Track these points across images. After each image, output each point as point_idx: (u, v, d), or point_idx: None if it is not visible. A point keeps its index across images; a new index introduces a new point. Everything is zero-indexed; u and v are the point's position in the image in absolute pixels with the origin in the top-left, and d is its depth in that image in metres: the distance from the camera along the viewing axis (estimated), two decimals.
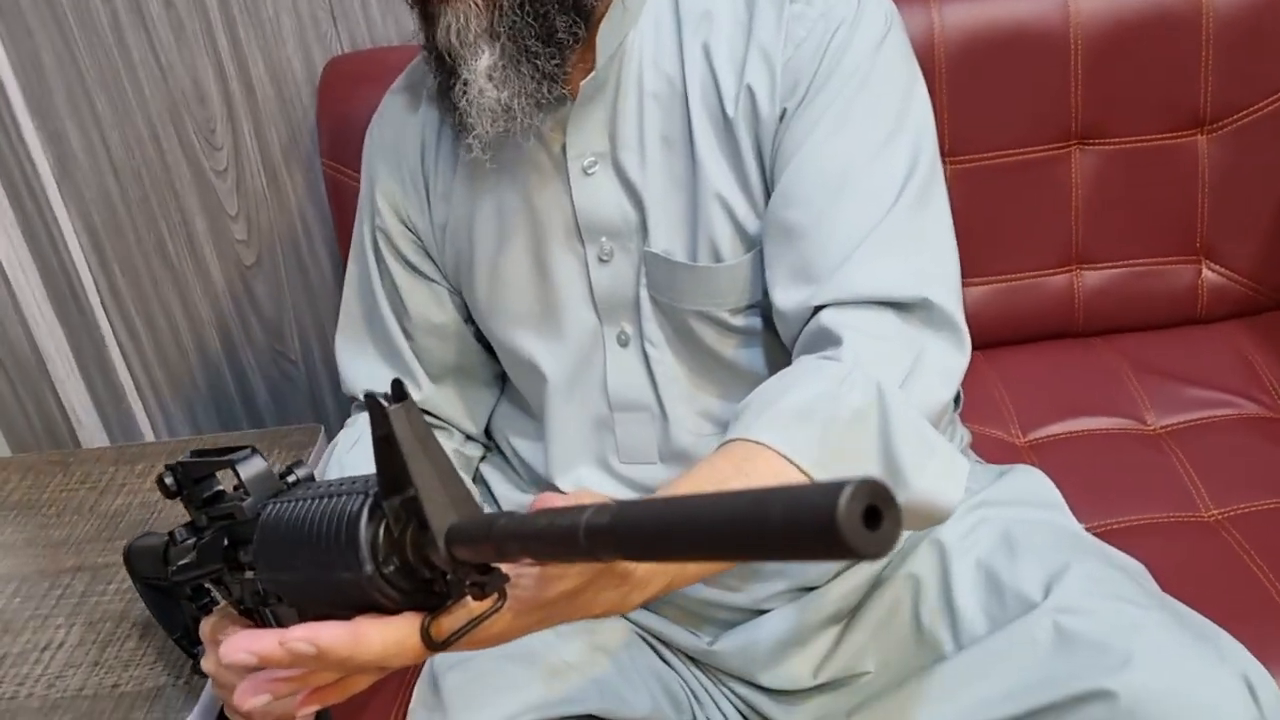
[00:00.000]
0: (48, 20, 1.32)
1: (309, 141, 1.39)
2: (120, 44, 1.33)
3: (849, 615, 0.85)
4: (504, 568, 0.49)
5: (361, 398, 0.95)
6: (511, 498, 0.95)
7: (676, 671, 0.89)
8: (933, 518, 0.71)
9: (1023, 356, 1.29)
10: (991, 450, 1.14)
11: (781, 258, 0.78)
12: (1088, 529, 1.03)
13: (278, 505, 0.56)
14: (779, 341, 0.82)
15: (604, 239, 0.85)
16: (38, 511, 1.25)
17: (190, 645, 0.87)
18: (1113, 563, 0.82)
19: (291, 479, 0.61)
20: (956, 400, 0.90)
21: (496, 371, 0.99)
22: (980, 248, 1.25)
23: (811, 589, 0.85)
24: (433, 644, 0.49)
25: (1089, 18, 1.18)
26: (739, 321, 0.83)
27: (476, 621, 0.50)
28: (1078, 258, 1.28)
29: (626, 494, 0.89)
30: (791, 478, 0.65)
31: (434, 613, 0.50)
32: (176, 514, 1.17)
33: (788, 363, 0.79)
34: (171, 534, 0.70)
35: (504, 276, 0.88)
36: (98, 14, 1.32)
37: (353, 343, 0.98)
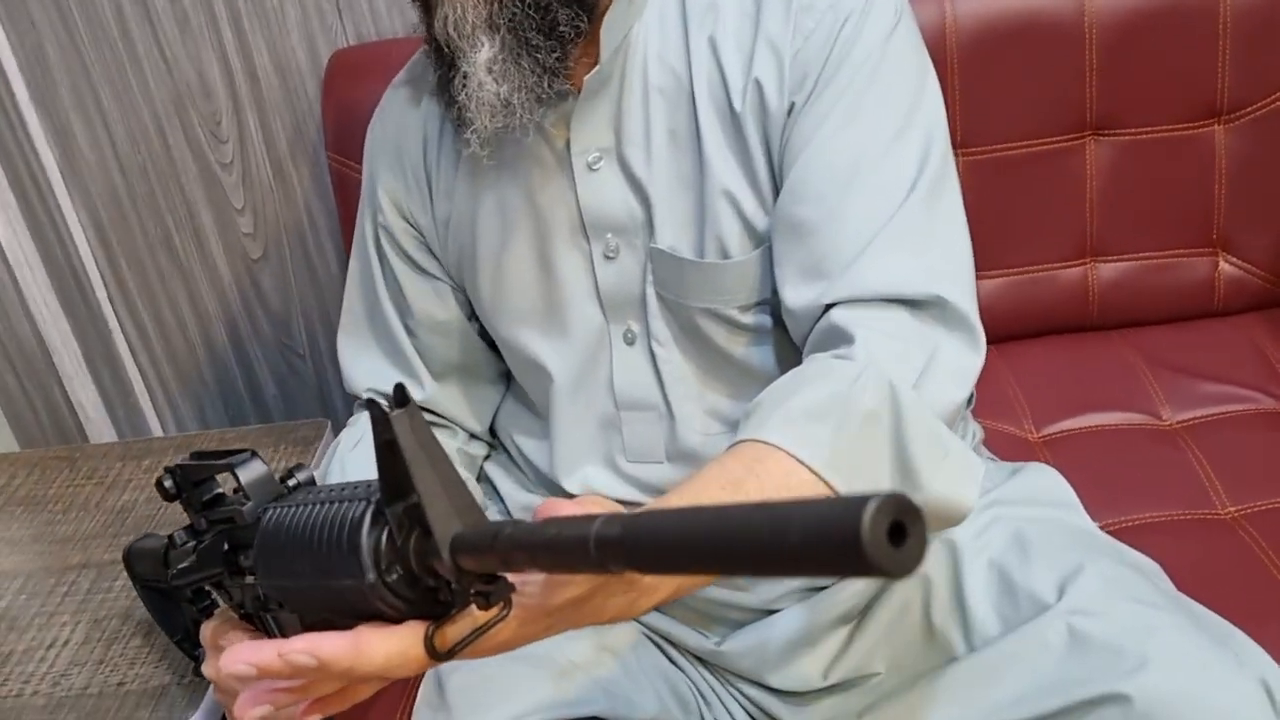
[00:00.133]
0: (51, 12, 1.31)
1: (314, 134, 1.38)
2: (125, 36, 1.33)
3: (859, 616, 0.84)
4: (509, 575, 0.48)
5: (364, 396, 0.94)
6: (517, 497, 0.94)
7: (684, 672, 0.88)
8: (948, 520, 0.70)
9: (1036, 350, 1.27)
10: (1004, 446, 1.12)
11: (791, 254, 0.76)
12: (1102, 527, 1.02)
13: (278, 510, 0.55)
14: (789, 339, 0.80)
15: (609, 235, 0.83)
16: (44, 508, 1.25)
17: (191, 647, 0.87)
18: (1127, 563, 0.81)
19: (292, 482, 0.60)
20: (969, 397, 0.89)
21: (501, 369, 0.98)
22: (993, 240, 1.23)
23: (821, 589, 0.84)
24: (436, 654, 0.49)
25: (1103, 6, 1.16)
26: (747, 319, 0.82)
27: (481, 630, 0.49)
28: (1092, 250, 1.26)
29: (634, 494, 0.88)
30: (803, 479, 0.64)
31: (438, 622, 0.49)
32: (182, 511, 1.16)
33: (798, 361, 0.77)
34: (171, 537, 0.69)
35: (508, 274, 0.87)
36: (102, 6, 1.31)
37: (355, 340, 0.97)
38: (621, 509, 0.54)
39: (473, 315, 0.94)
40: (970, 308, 0.74)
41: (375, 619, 0.50)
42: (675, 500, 0.61)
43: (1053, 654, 0.73)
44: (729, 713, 0.86)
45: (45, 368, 1.54)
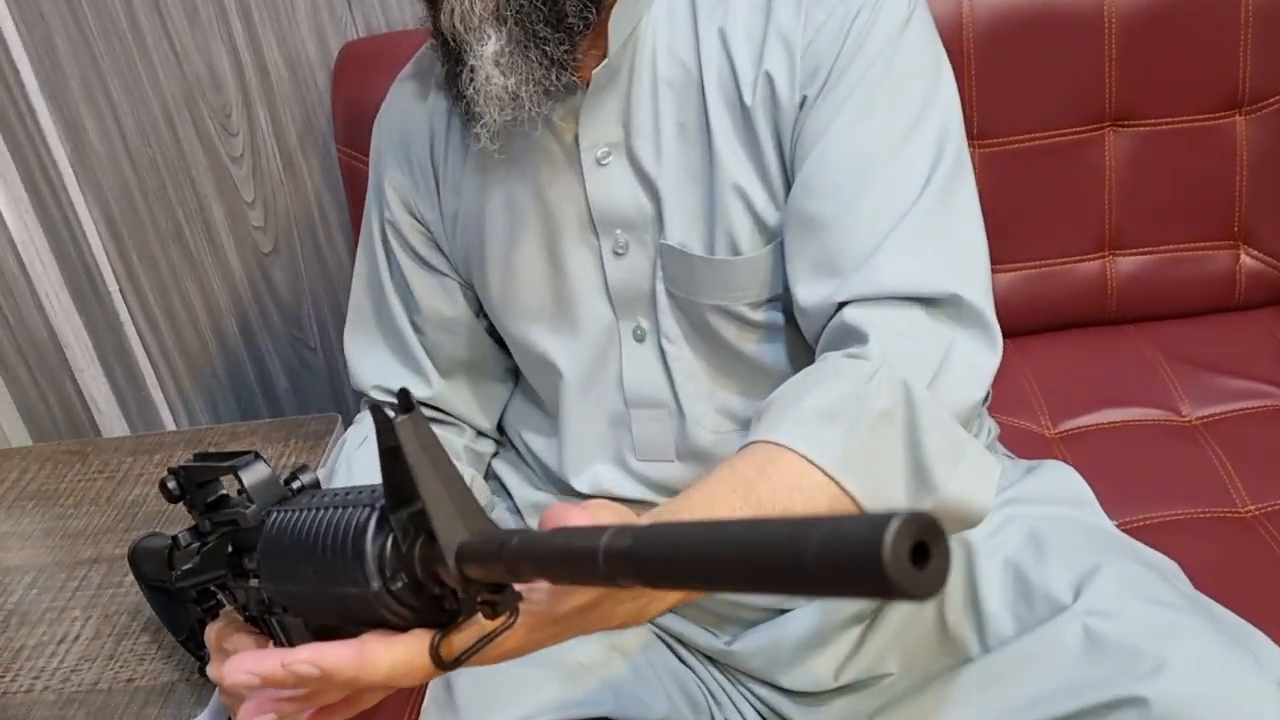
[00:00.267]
0: (60, 4, 1.31)
1: (325, 127, 1.37)
2: (134, 29, 1.32)
3: (871, 615, 0.83)
4: (516, 584, 0.47)
5: (371, 394, 0.94)
6: (526, 495, 0.94)
7: (694, 672, 0.87)
8: (964, 523, 0.69)
9: (1053, 345, 1.26)
10: (1021, 442, 1.11)
11: (803, 251, 0.75)
12: (1119, 525, 1.01)
13: (282, 514, 0.55)
14: (801, 336, 0.79)
15: (619, 231, 0.82)
16: (55, 502, 1.25)
17: (197, 647, 0.86)
18: (1145, 562, 0.80)
19: (296, 485, 0.59)
20: (985, 396, 0.87)
21: (509, 366, 0.97)
22: (1010, 233, 1.22)
23: None
24: (442, 663, 0.48)
25: None
26: (759, 316, 0.81)
27: (488, 639, 0.48)
28: (1111, 243, 1.24)
29: (643, 492, 0.87)
30: (814, 480, 0.63)
31: (444, 630, 0.48)
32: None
33: (810, 358, 0.76)
34: (175, 538, 0.68)
35: (517, 271, 0.86)
36: None
37: (362, 337, 0.96)
38: (630, 513, 0.54)
39: (480, 312, 0.93)
40: (986, 305, 0.72)
41: (380, 626, 0.49)
42: (685, 503, 0.60)
43: (1069, 656, 0.72)
44: (740, 713, 0.86)
45: (57, 361, 1.55)
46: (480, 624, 0.48)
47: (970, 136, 1.18)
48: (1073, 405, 1.19)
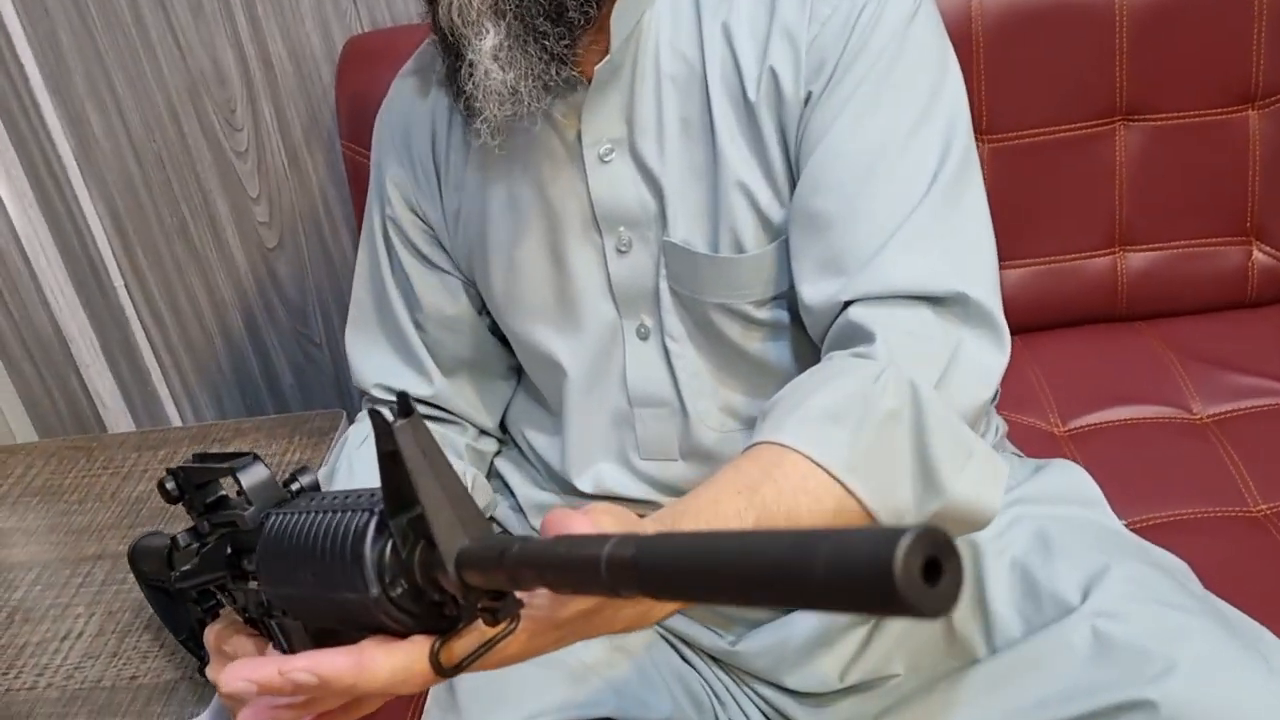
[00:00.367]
0: None
1: (329, 121, 1.36)
2: (138, 22, 1.32)
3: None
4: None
5: (373, 391, 0.93)
6: (529, 494, 0.93)
7: (699, 672, 0.87)
8: (972, 525, 0.68)
9: (1063, 342, 1.25)
10: (1029, 440, 1.10)
11: (808, 249, 0.74)
12: (1129, 524, 1.00)
13: (280, 517, 0.54)
14: (805, 335, 0.79)
15: (622, 229, 0.81)
16: (60, 498, 1.25)
17: (197, 647, 0.85)
18: (1154, 563, 0.79)
19: (295, 486, 0.59)
20: (993, 394, 0.87)
21: (511, 364, 0.96)
22: (1019, 229, 1.21)
23: None
24: (443, 670, 0.47)
25: None
26: (763, 314, 0.80)
27: (489, 645, 0.47)
28: (1121, 239, 1.23)
29: (647, 491, 0.87)
30: (820, 482, 0.62)
31: (444, 637, 0.47)
32: None
33: (815, 357, 0.76)
34: (174, 538, 0.68)
35: (520, 269, 0.85)
36: None
37: (363, 335, 0.95)
38: (632, 516, 0.53)
39: (483, 310, 0.93)
40: (994, 304, 0.71)
41: (380, 631, 0.49)
42: (689, 505, 0.59)
43: (1076, 658, 0.71)
44: (744, 713, 0.85)
45: (62, 357, 1.55)
46: (481, 630, 0.47)
47: (979, 131, 1.17)
48: (1082, 403, 1.18)
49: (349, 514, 0.49)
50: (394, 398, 0.93)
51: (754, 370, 0.82)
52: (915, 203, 0.72)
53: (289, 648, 0.60)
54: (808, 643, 0.82)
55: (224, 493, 0.65)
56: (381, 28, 1.31)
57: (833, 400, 0.65)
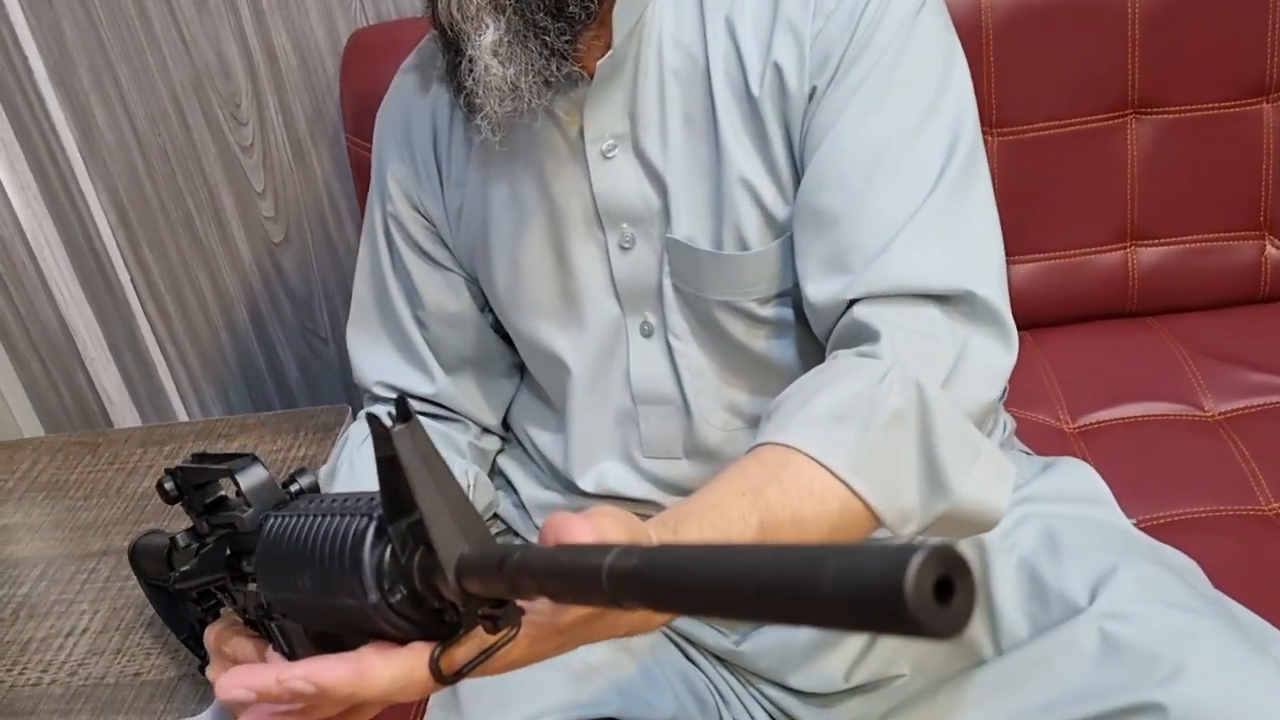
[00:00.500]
0: None
1: (334, 115, 1.36)
2: (142, 15, 1.31)
3: None
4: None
5: (374, 389, 0.93)
6: (533, 495, 0.92)
7: (703, 672, 0.86)
8: (979, 526, 0.68)
9: (1072, 338, 1.23)
10: (1038, 437, 1.09)
11: (813, 246, 0.73)
12: (1139, 522, 0.99)
13: (279, 520, 0.54)
14: (810, 333, 0.78)
15: (625, 225, 0.81)
16: (66, 493, 1.25)
17: (197, 646, 0.85)
18: (1164, 563, 0.78)
19: (294, 488, 0.58)
20: (1000, 394, 0.86)
21: (514, 361, 0.95)
22: (1028, 223, 1.20)
23: None
24: (443, 677, 0.47)
25: None
26: (767, 312, 0.79)
27: (489, 652, 0.47)
28: (1133, 233, 1.22)
29: (650, 490, 0.86)
30: (826, 484, 0.61)
31: (444, 644, 0.47)
32: None
33: (820, 355, 0.75)
34: (174, 539, 0.68)
35: (522, 266, 0.85)
36: None
37: (365, 333, 0.95)
38: (635, 519, 0.52)
39: (485, 307, 0.92)
40: (1001, 303, 0.71)
41: (379, 637, 0.48)
42: (694, 507, 0.59)
43: (1084, 659, 0.71)
44: (749, 714, 0.84)
45: (68, 351, 1.55)
46: (481, 636, 0.47)
47: (988, 124, 1.16)
48: (1092, 399, 1.17)
49: (348, 518, 0.48)
50: (396, 396, 0.93)
51: (758, 368, 0.82)
52: (921, 199, 0.71)
53: (289, 649, 0.59)
54: (813, 643, 0.81)
55: (223, 493, 0.65)
56: (386, 20, 1.30)
57: (838, 400, 0.64)
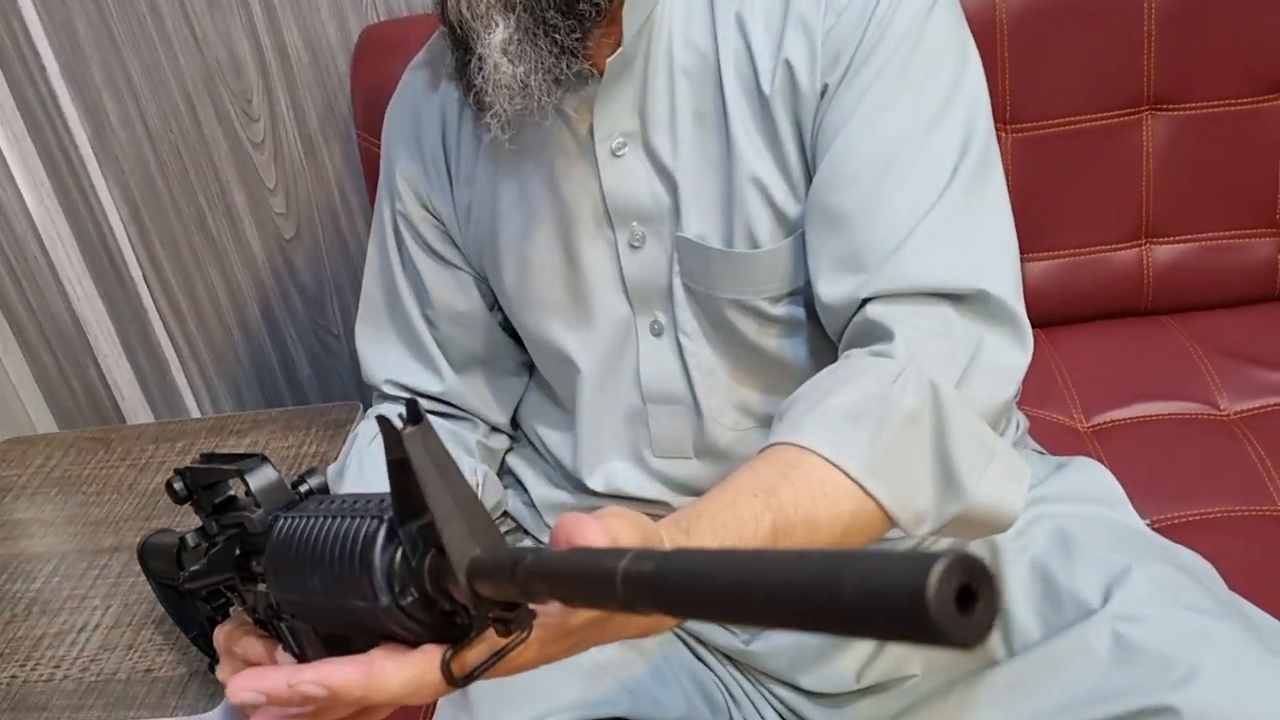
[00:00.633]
0: None
1: (345, 111, 1.36)
2: (153, 11, 1.31)
3: None
4: None
5: (383, 388, 0.93)
6: (544, 494, 0.92)
7: (713, 671, 0.86)
8: (993, 528, 0.67)
9: (1087, 336, 1.23)
10: (1052, 436, 1.08)
11: (825, 245, 0.73)
12: (1153, 522, 0.98)
13: (289, 521, 0.54)
14: (822, 332, 0.77)
15: (635, 224, 0.80)
16: (78, 489, 1.25)
17: (207, 644, 0.85)
18: (1178, 564, 0.77)
19: (304, 488, 0.58)
20: (1014, 394, 0.85)
21: (523, 360, 0.95)
22: (1043, 220, 1.19)
23: None
24: (454, 680, 0.46)
25: None
26: (778, 311, 0.79)
27: (501, 654, 0.47)
28: (1148, 231, 1.21)
29: (660, 490, 0.86)
30: (839, 484, 0.61)
31: (455, 646, 0.46)
32: None
33: (832, 354, 0.74)
34: (183, 538, 0.68)
35: (531, 264, 0.84)
36: None
37: (373, 330, 0.95)
38: (646, 521, 0.52)
39: (494, 305, 0.92)
40: (1016, 302, 0.70)
41: (389, 639, 0.48)
42: (705, 507, 0.58)
43: (1097, 662, 0.70)
44: (759, 713, 0.84)
45: (81, 346, 1.55)
46: (492, 638, 0.46)
47: (1002, 121, 1.15)
48: (1106, 398, 1.16)
49: (358, 520, 0.48)
50: (405, 394, 0.93)
51: (769, 367, 0.81)
52: (935, 198, 0.70)
53: (299, 650, 0.59)
54: (824, 643, 0.81)
55: (232, 493, 0.64)
56: (397, 17, 1.30)
57: (851, 400, 0.64)
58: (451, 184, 0.87)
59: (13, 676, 1.00)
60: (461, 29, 0.73)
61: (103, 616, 1.05)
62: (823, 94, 0.73)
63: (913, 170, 0.71)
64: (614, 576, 0.35)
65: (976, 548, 0.80)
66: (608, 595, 0.35)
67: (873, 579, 0.28)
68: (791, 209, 0.76)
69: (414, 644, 0.47)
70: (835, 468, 0.61)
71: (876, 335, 0.69)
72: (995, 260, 0.71)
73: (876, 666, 0.80)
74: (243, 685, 0.47)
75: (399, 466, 0.44)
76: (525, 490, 0.94)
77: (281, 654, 0.61)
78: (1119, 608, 0.71)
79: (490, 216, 0.86)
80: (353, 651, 0.49)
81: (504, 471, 0.97)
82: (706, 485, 0.78)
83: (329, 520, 0.50)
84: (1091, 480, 0.87)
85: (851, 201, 0.71)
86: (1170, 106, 1.16)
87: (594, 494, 0.87)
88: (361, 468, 0.87)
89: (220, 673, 0.68)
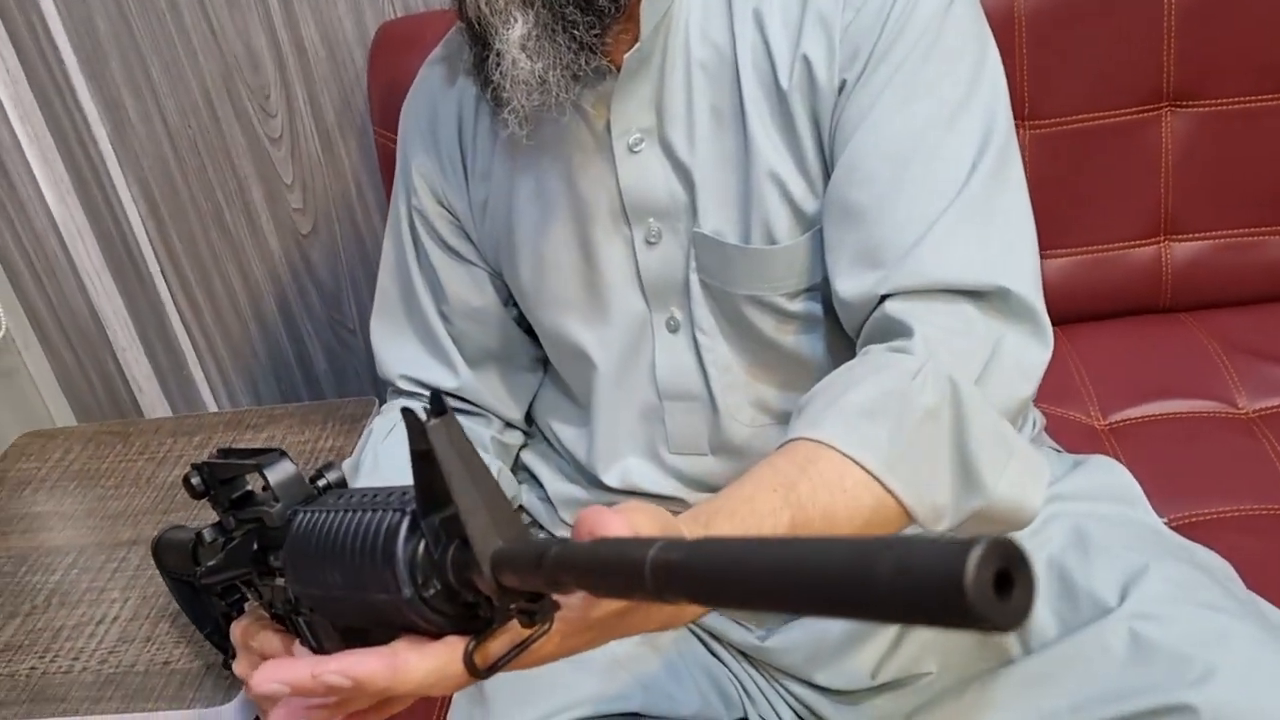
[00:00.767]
0: None
1: (362, 107, 1.36)
2: (172, 8, 1.32)
3: None
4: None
5: (398, 383, 0.93)
6: (560, 489, 0.92)
7: (728, 668, 0.86)
8: (1011, 525, 0.67)
9: (1104, 333, 1.22)
10: (1069, 434, 1.08)
11: (843, 241, 0.73)
12: (1170, 521, 0.98)
13: (308, 515, 0.54)
14: (839, 328, 0.77)
15: (651, 220, 0.80)
16: (97, 482, 1.26)
17: (221, 640, 0.86)
18: (1195, 563, 0.77)
19: (322, 483, 0.58)
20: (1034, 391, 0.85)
21: (537, 356, 0.95)
22: (1061, 217, 1.18)
23: None
24: (477, 672, 0.47)
25: None
26: (796, 307, 0.79)
27: (523, 646, 0.47)
28: (1167, 228, 1.20)
29: (675, 486, 0.86)
30: (857, 480, 0.61)
31: (478, 638, 0.47)
32: None
33: (849, 350, 0.74)
34: (200, 533, 0.68)
35: (547, 260, 0.84)
36: None
37: (388, 326, 0.95)
38: (666, 514, 0.52)
39: (509, 301, 0.92)
40: (1036, 298, 0.70)
41: (410, 631, 0.48)
42: (724, 502, 0.58)
43: (1114, 660, 0.70)
44: (774, 710, 0.84)
45: (100, 341, 1.56)
46: (515, 631, 0.47)
47: (1021, 117, 1.15)
48: (1124, 396, 1.15)
49: (379, 513, 0.48)
50: (419, 389, 0.93)
51: (786, 364, 0.81)
52: (954, 194, 0.70)
53: (317, 644, 0.59)
54: (839, 640, 0.81)
55: (250, 488, 0.65)
56: (414, 12, 1.30)
57: (870, 397, 0.64)
58: (467, 179, 0.87)
59: (32, 668, 1.00)
60: (480, 24, 0.73)
61: (121, 609, 1.06)
62: (841, 89, 0.73)
63: (931, 166, 0.71)
64: (643, 565, 0.35)
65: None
66: (637, 584, 0.35)
67: (908, 564, 0.28)
68: (809, 205, 0.76)
69: (435, 636, 0.47)
70: (854, 463, 0.61)
71: (895, 332, 0.69)
72: (1015, 257, 0.70)
73: (892, 663, 0.80)
74: (267, 676, 0.48)
75: (423, 458, 0.44)
76: (541, 486, 0.94)
77: (298, 648, 0.61)
78: (1136, 606, 0.71)
79: (506, 212, 0.86)
80: (370, 645, 0.49)
81: (518, 467, 0.97)
82: (722, 481, 0.78)
83: (350, 514, 0.50)
84: (1109, 478, 0.86)
85: (869, 197, 0.71)
86: (1190, 103, 1.15)
87: (609, 490, 0.87)
88: (377, 463, 0.87)
89: (237, 667, 0.69)
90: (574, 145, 0.81)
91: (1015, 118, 0.86)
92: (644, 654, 0.82)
